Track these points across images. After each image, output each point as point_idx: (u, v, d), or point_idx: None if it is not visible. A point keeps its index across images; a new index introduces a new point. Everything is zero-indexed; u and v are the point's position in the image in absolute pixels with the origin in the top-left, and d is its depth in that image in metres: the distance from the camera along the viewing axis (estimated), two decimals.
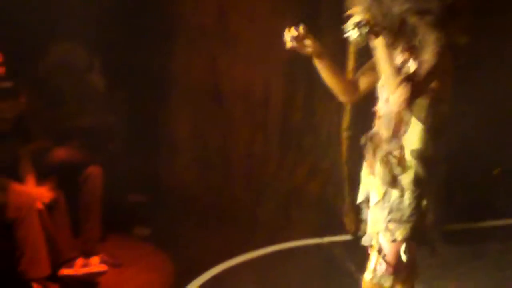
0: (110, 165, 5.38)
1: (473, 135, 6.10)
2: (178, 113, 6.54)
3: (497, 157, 6.47)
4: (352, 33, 3.25)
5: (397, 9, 3.28)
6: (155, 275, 5.24)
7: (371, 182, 3.57)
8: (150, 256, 5.54)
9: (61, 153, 5.31)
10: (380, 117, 3.51)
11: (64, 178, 5.17)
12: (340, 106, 5.82)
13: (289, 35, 3.43)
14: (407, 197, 3.41)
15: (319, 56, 3.50)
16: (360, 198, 3.66)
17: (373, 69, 3.48)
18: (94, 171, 5.24)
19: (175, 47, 6.49)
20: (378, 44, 3.27)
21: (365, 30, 3.24)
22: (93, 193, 5.23)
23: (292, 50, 3.47)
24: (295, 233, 5.93)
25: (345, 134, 5.95)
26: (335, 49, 5.99)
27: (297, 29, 3.44)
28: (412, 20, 3.28)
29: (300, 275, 5.18)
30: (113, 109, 5.78)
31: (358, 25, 3.23)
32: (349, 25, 3.25)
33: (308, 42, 3.45)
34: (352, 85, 3.62)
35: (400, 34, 3.34)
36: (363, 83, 3.62)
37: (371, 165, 3.56)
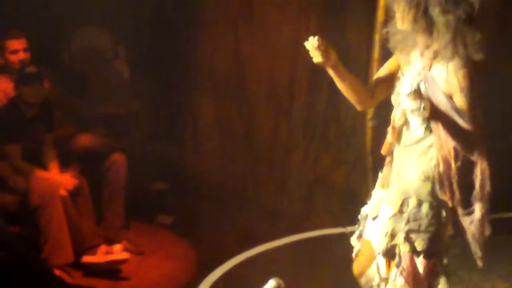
0: (134, 153, 5.39)
1: (501, 126, 6.02)
2: (202, 100, 6.53)
3: None
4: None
5: None
6: (177, 263, 5.25)
7: (384, 196, 3.52)
8: (173, 244, 5.55)
9: (85, 140, 5.32)
10: (395, 127, 3.47)
11: (88, 165, 5.19)
12: None
13: (312, 46, 3.35)
14: (425, 207, 3.37)
15: (336, 67, 3.41)
16: (373, 212, 3.57)
17: (390, 74, 3.46)
18: (119, 159, 5.24)
19: (199, 34, 6.47)
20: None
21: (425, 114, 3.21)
22: (117, 180, 5.23)
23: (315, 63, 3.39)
24: (318, 223, 5.91)
25: (369, 124, 5.90)
26: (360, 41, 6.00)
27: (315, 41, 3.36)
28: (435, 12, 3.23)
29: (323, 265, 5.16)
30: (137, 96, 5.79)
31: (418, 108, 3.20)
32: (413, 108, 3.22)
33: (328, 52, 3.34)
34: (369, 93, 3.54)
35: (418, 26, 3.30)
36: (380, 90, 3.55)
37: (386, 177, 3.52)
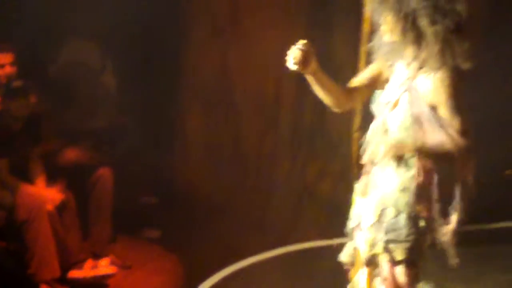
0: (120, 167, 5.38)
1: (483, 135, 6.05)
2: (189, 112, 6.54)
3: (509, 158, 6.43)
4: None
5: (415, 2, 3.21)
6: (164, 277, 5.25)
7: (364, 204, 3.53)
8: (160, 258, 5.54)
9: (72, 154, 5.32)
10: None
11: (74, 179, 5.19)
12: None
13: (297, 54, 3.33)
14: (402, 217, 3.36)
15: (315, 73, 3.39)
16: (353, 223, 3.58)
17: (371, 78, 3.47)
18: (105, 173, 5.25)
19: (187, 47, 6.48)
20: None
21: None
22: (103, 194, 5.23)
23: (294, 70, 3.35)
24: (305, 234, 5.92)
25: (355, 135, 5.91)
26: (347, 53, 6.01)
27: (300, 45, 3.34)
28: (423, 22, 3.24)
29: (310, 277, 5.16)
30: (125, 109, 5.79)
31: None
32: None
33: (309, 59, 3.32)
34: (348, 96, 3.53)
35: (407, 37, 3.31)
36: (360, 93, 3.55)
37: (366, 186, 3.53)
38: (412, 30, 3.24)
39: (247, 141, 6.52)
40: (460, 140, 3.21)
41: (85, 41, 5.88)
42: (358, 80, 3.57)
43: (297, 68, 3.32)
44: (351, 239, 3.63)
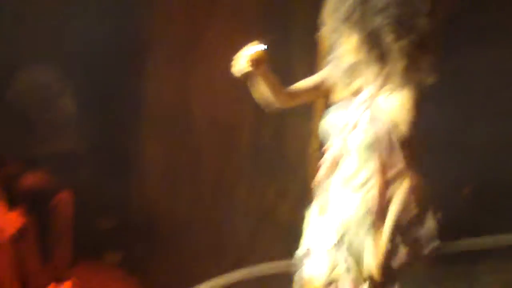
0: (80, 191, 5.37)
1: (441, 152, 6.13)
2: (148, 135, 6.53)
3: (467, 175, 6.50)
4: None
5: (379, 19, 3.26)
6: None
7: (323, 224, 3.55)
8: (121, 282, 5.53)
9: (31, 179, 5.29)
10: (333, 157, 3.51)
11: (34, 204, 5.16)
12: (309, 128, 5.85)
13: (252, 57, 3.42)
14: (366, 238, 3.40)
15: (264, 74, 3.49)
16: (303, 249, 3.65)
17: (315, 88, 3.56)
18: (65, 197, 5.23)
19: (146, 71, 6.48)
20: None
21: None
22: (64, 219, 5.21)
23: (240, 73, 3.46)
24: (264, 257, 5.94)
25: (314, 155, 5.97)
26: (305, 75, 6.08)
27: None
28: (388, 39, 3.28)
29: None
30: (84, 133, 5.77)
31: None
32: None
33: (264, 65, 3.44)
34: (289, 97, 3.62)
35: (371, 56, 3.34)
36: (302, 98, 3.65)
37: (324, 205, 3.56)
38: (377, 48, 3.29)
39: (206, 165, 6.53)
40: (409, 162, 3.25)
41: (43, 66, 5.85)
42: (302, 83, 3.62)
43: (251, 70, 3.43)
44: (300, 268, 3.63)
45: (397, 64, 3.26)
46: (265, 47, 3.42)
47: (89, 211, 5.44)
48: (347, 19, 3.28)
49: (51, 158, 5.48)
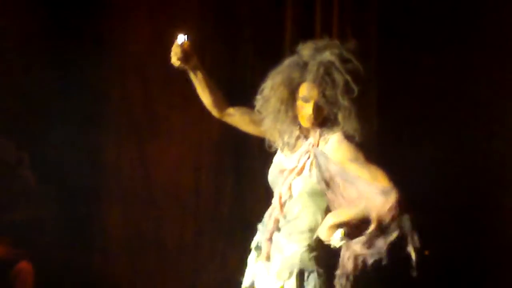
0: (41, 261, 5.32)
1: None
2: (109, 205, 6.50)
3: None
4: (337, 243, 3.30)
5: (327, 54, 3.35)
6: None
7: (267, 269, 3.57)
8: None
9: None
10: (281, 204, 3.51)
11: None
12: (269, 193, 5.88)
13: (177, 49, 3.53)
14: (312, 277, 3.41)
15: (195, 69, 3.60)
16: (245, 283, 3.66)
17: (249, 118, 3.64)
18: (25, 267, 5.18)
19: (103, 138, 6.48)
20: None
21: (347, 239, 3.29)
22: None
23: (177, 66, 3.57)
24: None
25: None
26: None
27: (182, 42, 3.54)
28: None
29: None
30: (43, 203, 5.74)
31: (343, 237, 3.28)
32: (337, 240, 3.29)
33: (189, 55, 3.56)
34: (223, 107, 3.73)
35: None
36: (233, 119, 3.75)
37: (267, 251, 3.58)
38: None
39: (167, 234, 6.51)
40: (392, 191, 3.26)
41: None
42: (241, 109, 3.74)
43: (179, 64, 3.57)
44: None
45: (343, 112, 3.33)
46: (186, 37, 3.53)
47: (50, 282, 5.37)
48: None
49: (11, 228, 5.43)
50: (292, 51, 3.51)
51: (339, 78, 3.27)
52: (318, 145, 3.40)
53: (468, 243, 5.89)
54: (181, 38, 3.56)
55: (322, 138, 3.40)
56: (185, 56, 3.54)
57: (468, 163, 5.93)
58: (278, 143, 3.56)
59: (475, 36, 5.95)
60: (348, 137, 3.35)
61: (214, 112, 3.75)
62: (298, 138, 3.50)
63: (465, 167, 5.92)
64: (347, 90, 3.27)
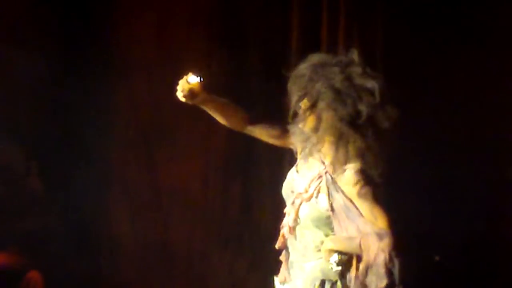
0: (50, 270, 5.33)
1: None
2: (117, 213, 6.51)
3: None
4: (334, 267, 3.32)
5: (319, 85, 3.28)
6: None
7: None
8: None
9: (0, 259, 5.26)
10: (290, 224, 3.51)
11: (3, 284, 5.10)
12: (276, 199, 5.88)
13: (185, 86, 3.46)
14: (338, 285, 3.36)
15: (205, 103, 3.52)
16: None
17: (279, 137, 3.56)
18: (35, 276, 5.19)
19: (111, 146, 6.49)
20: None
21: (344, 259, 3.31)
22: None
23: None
24: None
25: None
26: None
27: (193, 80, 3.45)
28: (321, 106, 3.28)
29: None
30: (53, 212, 5.76)
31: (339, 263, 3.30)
32: (333, 264, 3.31)
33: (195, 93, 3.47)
34: (242, 123, 3.62)
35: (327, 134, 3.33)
36: (252, 134, 3.65)
37: (284, 273, 3.60)
38: (314, 114, 3.32)
39: (175, 241, 6.52)
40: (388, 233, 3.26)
41: (8, 145, 5.86)
42: (267, 123, 3.63)
43: (185, 101, 3.49)
44: None
45: (351, 146, 3.27)
46: (199, 79, 3.46)
47: None
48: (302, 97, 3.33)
49: (20, 237, 5.45)
50: (298, 59, 3.49)
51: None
52: (333, 171, 3.37)
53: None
54: (193, 79, 3.46)
55: (339, 165, 3.33)
56: (192, 94, 3.46)
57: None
58: (298, 154, 3.54)
59: (488, 38, 5.90)
60: (365, 171, 3.31)
61: (230, 127, 3.67)
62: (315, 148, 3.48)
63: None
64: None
